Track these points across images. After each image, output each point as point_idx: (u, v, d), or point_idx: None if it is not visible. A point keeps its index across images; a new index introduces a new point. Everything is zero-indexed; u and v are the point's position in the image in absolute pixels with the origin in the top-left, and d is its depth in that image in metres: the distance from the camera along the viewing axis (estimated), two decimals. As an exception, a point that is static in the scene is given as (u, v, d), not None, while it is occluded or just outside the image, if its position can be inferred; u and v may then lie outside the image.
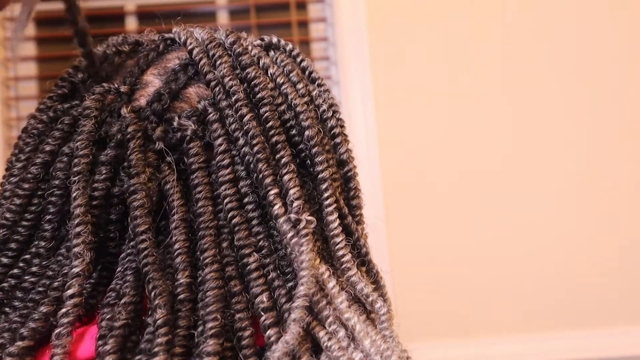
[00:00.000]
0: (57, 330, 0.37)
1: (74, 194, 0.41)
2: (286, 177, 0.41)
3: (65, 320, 0.38)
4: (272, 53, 0.49)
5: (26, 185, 0.43)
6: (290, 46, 0.50)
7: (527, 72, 1.50)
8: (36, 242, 0.42)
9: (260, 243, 0.41)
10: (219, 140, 0.43)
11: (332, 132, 0.47)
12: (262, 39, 0.50)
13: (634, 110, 1.49)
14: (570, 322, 1.43)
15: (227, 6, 1.61)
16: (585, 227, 1.46)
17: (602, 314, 1.44)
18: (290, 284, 0.40)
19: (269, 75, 0.46)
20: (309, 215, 0.40)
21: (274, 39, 0.50)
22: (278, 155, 0.42)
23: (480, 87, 1.50)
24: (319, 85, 0.49)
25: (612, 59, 1.50)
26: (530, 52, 1.50)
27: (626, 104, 1.49)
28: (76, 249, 0.39)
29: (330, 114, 0.47)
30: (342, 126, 0.49)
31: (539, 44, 1.50)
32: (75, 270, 0.39)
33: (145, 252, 0.39)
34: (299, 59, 0.50)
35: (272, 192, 0.41)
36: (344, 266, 0.42)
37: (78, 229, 0.40)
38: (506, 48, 1.50)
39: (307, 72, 0.50)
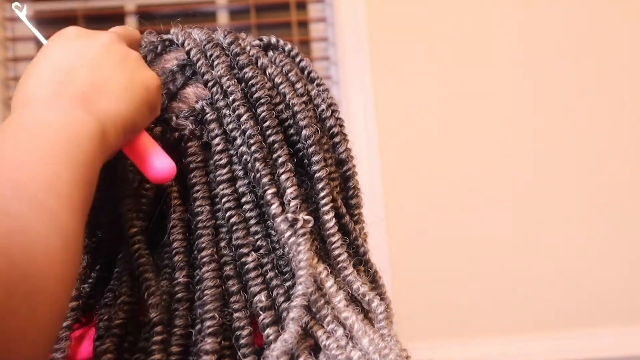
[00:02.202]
0: None
1: None
2: (283, 177, 0.41)
3: (63, 324, 0.38)
4: (270, 53, 0.49)
5: None
6: (289, 46, 0.50)
7: (528, 72, 1.50)
8: None
9: (258, 242, 0.41)
10: (217, 140, 0.43)
11: (330, 131, 0.47)
12: (260, 39, 0.50)
13: (635, 109, 1.49)
14: (570, 322, 1.43)
15: (227, 6, 1.61)
16: (586, 227, 1.46)
17: (603, 314, 1.43)
18: (288, 283, 0.40)
19: (267, 75, 0.46)
20: (306, 215, 0.40)
21: (273, 39, 0.50)
22: (275, 155, 0.42)
23: (480, 86, 1.50)
24: (318, 85, 0.49)
25: (614, 59, 1.50)
26: (531, 52, 1.50)
27: (626, 103, 1.49)
28: None
29: (329, 113, 0.47)
30: (341, 125, 0.49)
31: (539, 44, 1.50)
32: None
33: (138, 253, 0.40)
34: (297, 59, 0.50)
35: (270, 191, 0.41)
36: (340, 265, 0.42)
37: None
38: (507, 47, 1.50)
39: (305, 72, 0.50)
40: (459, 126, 1.49)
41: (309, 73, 0.50)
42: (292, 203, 0.40)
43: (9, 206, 0.27)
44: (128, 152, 0.40)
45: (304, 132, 0.44)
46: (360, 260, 0.45)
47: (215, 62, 0.45)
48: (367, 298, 0.42)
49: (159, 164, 0.39)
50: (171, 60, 0.47)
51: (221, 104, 0.43)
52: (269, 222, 0.41)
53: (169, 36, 0.49)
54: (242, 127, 0.42)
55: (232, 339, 0.38)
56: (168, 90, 0.45)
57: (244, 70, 0.45)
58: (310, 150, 0.43)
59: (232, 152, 0.43)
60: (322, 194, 0.43)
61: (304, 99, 0.46)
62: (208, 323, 0.37)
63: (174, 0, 1.60)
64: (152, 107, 0.41)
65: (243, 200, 0.42)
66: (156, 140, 0.43)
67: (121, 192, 0.41)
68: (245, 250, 0.40)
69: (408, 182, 1.47)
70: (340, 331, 0.39)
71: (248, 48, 0.47)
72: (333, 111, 0.48)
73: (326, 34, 1.59)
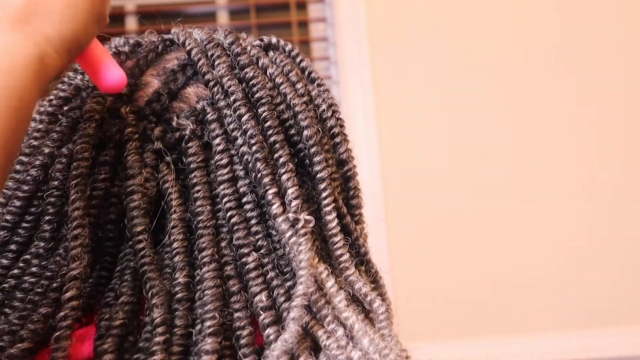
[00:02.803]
0: (56, 334, 0.37)
1: (73, 197, 0.41)
2: (284, 177, 0.41)
3: (64, 323, 0.38)
4: (271, 53, 0.49)
5: (26, 187, 0.43)
6: (289, 46, 0.50)
7: (529, 72, 1.50)
8: (36, 243, 0.42)
9: (259, 242, 0.41)
10: (218, 140, 0.43)
11: (331, 131, 0.47)
12: (261, 40, 0.50)
13: (634, 109, 1.49)
14: (570, 322, 1.44)
15: (227, 6, 1.61)
16: (586, 227, 1.47)
17: (602, 314, 1.44)
18: (289, 283, 0.40)
19: (268, 75, 0.46)
20: (307, 215, 0.40)
21: (273, 40, 0.50)
22: (276, 155, 0.42)
23: (481, 86, 1.50)
24: (319, 85, 0.49)
25: (615, 59, 1.50)
26: (531, 51, 1.50)
27: (626, 103, 1.49)
28: (74, 252, 0.39)
29: (329, 113, 0.47)
30: (341, 126, 0.49)
31: (540, 43, 1.50)
32: (73, 273, 0.39)
33: (142, 252, 0.40)
34: (298, 59, 0.50)
35: (271, 191, 0.41)
36: (342, 265, 0.42)
37: (76, 232, 0.40)
38: (507, 46, 1.50)
39: (306, 72, 0.50)
40: (459, 126, 1.49)
41: (310, 73, 0.50)
42: (294, 203, 0.40)
43: None
44: (79, 62, 0.41)
45: (305, 132, 0.44)
46: (362, 260, 0.45)
47: (216, 62, 0.45)
48: (369, 298, 0.42)
49: (111, 75, 0.41)
50: (172, 60, 0.47)
51: (222, 104, 0.44)
52: (269, 222, 0.41)
53: (170, 36, 0.49)
54: (243, 127, 0.42)
55: (232, 339, 0.38)
56: (169, 90, 0.45)
57: (245, 71, 0.45)
58: (312, 150, 0.43)
59: (233, 152, 0.43)
60: (324, 195, 0.43)
61: (305, 99, 0.46)
62: (208, 323, 0.37)
63: (174, 0, 1.60)
64: (99, 20, 0.40)
65: (244, 200, 0.42)
66: (157, 141, 0.43)
67: (127, 188, 0.41)
68: (246, 250, 0.40)
69: (408, 182, 1.47)
70: (340, 331, 0.39)
71: (249, 48, 0.47)
72: (334, 111, 0.48)
73: (326, 34, 1.59)
